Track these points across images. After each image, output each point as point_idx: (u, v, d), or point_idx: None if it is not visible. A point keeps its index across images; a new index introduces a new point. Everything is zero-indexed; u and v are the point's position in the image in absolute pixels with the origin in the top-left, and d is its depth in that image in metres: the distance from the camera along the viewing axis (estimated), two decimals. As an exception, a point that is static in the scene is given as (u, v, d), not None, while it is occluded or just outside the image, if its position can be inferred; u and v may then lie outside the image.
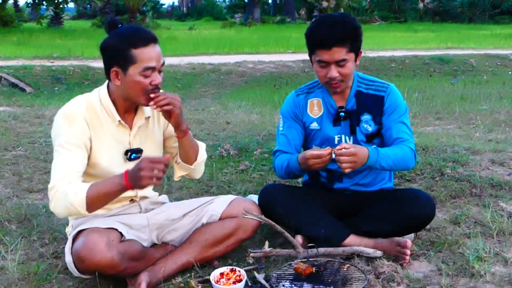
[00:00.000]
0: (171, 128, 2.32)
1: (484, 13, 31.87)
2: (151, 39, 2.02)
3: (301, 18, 32.95)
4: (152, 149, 2.26)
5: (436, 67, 12.43)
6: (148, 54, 1.99)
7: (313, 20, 2.38)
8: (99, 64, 10.99)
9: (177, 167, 2.40)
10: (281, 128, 2.50)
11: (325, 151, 2.18)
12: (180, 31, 23.38)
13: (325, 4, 30.58)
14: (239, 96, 8.34)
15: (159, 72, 2.05)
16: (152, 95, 2.04)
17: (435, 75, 11.76)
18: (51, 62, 10.82)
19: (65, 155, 2.01)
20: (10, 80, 9.10)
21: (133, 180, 1.92)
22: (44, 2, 23.67)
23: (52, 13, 24.39)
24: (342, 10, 30.59)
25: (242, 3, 37.60)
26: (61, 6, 24.07)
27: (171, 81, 9.67)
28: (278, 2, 34.96)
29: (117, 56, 2.00)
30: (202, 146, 2.39)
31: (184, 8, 47.10)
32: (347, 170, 2.16)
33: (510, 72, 12.09)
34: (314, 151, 2.20)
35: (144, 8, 33.03)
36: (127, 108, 2.15)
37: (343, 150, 2.14)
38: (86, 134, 2.06)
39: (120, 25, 2.06)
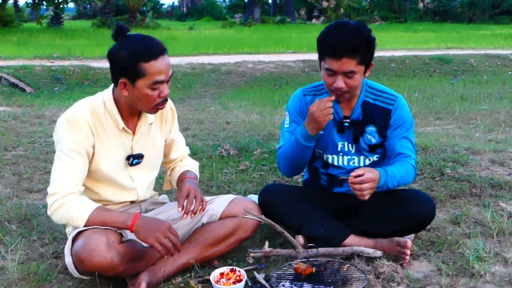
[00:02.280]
0: (172, 136, 2.34)
1: (484, 13, 31.88)
2: (160, 52, 1.97)
3: (301, 18, 32.96)
4: (153, 155, 2.26)
5: (436, 67, 12.43)
6: (157, 68, 1.96)
7: (328, 25, 2.28)
8: (99, 64, 11.03)
9: (168, 181, 2.45)
10: (286, 125, 2.46)
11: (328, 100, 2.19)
12: (180, 31, 23.37)
13: (325, 4, 30.58)
14: (239, 96, 8.34)
15: (167, 82, 2.04)
16: (180, 208, 2.06)
17: (435, 75, 11.76)
18: (51, 62, 10.82)
19: (67, 163, 2.01)
20: (10, 80, 9.10)
21: (142, 230, 1.95)
22: (44, 2, 23.66)
23: (52, 13, 24.39)
24: (342, 10, 30.61)
25: (242, 3, 37.60)
26: (61, 6, 24.07)
27: (172, 81, 9.65)
28: (278, 2, 34.95)
29: (125, 68, 1.97)
30: (196, 168, 2.42)
31: (184, 8, 47.08)
32: (367, 197, 2.14)
33: (510, 72, 12.09)
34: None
35: (144, 8, 33.08)
36: (131, 114, 2.13)
37: (364, 177, 2.10)
38: (90, 141, 2.05)
39: (128, 33, 2.00)
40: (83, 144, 2.03)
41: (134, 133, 2.16)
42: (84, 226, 1.97)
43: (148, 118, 2.19)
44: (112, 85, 2.10)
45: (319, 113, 2.20)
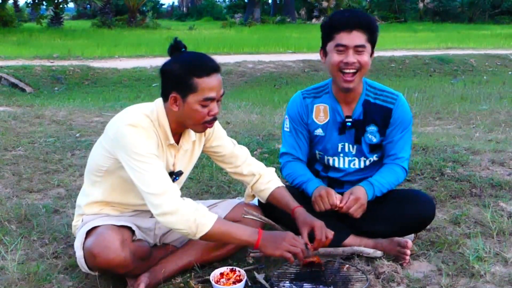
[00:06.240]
0: (214, 143, 2.30)
1: (484, 13, 31.91)
2: (214, 69, 1.97)
3: (301, 18, 32.99)
4: (188, 172, 2.26)
5: (436, 67, 12.44)
6: (209, 84, 1.94)
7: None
8: (99, 64, 11.03)
9: (250, 196, 2.40)
10: (287, 129, 2.47)
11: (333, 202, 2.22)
12: (180, 31, 23.38)
13: (325, 4, 30.60)
14: (239, 96, 8.33)
15: (217, 101, 2.02)
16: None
17: (435, 75, 11.77)
18: (51, 62, 10.82)
19: (156, 164, 1.93)
20: (10, 80, 9.10)
21: (268, 245, 1.95)
22: (44, 2, 23.68)
23: (52, 13, 24.42)
24: (342, 10, 30.59)
25: (242, 3, 37.61)
26: (61, 6, 24.10)
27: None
28: (278, 2, 34.96)
29: (178, 82, 1.95)
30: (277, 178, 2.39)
31: (184, 8, 47.09)
32: (360, 215, 2.23)
33: (510, 72, 12.10)
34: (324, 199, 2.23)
35: (144, 8, 33.04)
36: (177, 131, 2.10)
37: (347, 202, 2.20)
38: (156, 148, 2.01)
39: (183, 49, 2.01)
40: (155, 149, 1.98)
41: (177, 150, 2.14)
42: (201, 235, 1.91)
43: (191, 136, 2.17)
44: (162, 100, 2.05)
45: (321, 204, 2.24)
